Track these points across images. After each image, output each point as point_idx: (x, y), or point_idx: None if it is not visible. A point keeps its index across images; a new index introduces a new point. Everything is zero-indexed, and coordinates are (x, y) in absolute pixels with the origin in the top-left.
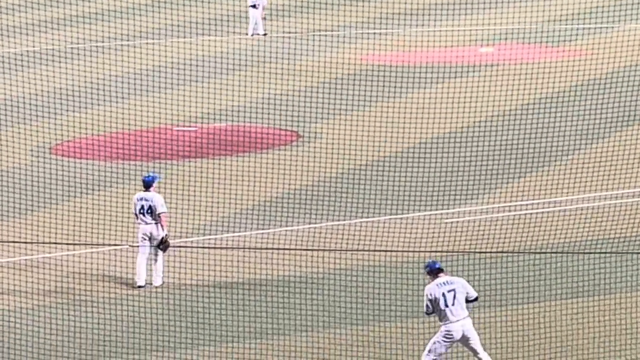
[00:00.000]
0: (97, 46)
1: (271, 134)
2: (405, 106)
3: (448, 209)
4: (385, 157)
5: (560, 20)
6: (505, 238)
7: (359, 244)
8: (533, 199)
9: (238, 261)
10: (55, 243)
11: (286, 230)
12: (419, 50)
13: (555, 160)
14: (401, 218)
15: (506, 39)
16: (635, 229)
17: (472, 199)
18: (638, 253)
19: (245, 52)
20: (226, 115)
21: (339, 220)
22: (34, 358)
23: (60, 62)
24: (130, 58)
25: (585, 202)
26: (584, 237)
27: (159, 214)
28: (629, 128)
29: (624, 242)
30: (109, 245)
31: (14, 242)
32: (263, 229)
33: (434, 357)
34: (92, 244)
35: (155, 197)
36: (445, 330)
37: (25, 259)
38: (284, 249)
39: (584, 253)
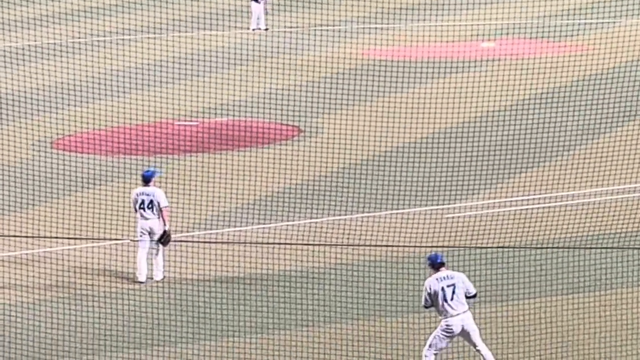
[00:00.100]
0: (98, 41)
1: (272, 129)
2: (407, 101)
3: (449, 204)
4: (386, 152)
5: (562, 16)
6: (505, 233)
7: (359, 239)
8: (534, 194)
9: (239, 256)
10: (57, 237)
11: (287, 225)
12: (420, 45)
13: (557, 156)
14: (402, 213)
15: (507, 34)
16: (636, 224)
17: (472, 194)
18: (639, 248)
19: (246, 47)
20: (227, 110)
21: (339, 215)
22: (34, 352)
23: (61, 56)
24: (132, 52)
25: (586, 197)
26: (584, 232)
27: (161, 208)
28: (630, 123)
29: (624, 237)
30: (110, 239)
31: (15, 236)
32: (264, 224)
33: (435, 352)
34: (93, 239)
35: (156, 192)
36: (445, 325)
37: (27, 253)
38: (285, 243)
39: (585, 248)
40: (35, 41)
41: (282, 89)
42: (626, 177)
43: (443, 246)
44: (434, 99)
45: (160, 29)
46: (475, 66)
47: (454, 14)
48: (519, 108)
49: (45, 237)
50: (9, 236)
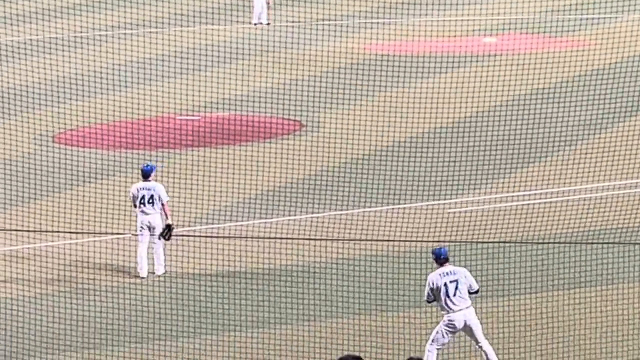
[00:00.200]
0: (100, 35)
1: (274, 123)
2: (408, 96)
3: (450, 199)
4: (388, 146)
5: (563, 11)
6: (507, 228)
7: (361, 234)
8: (535, 190)
9: (241, 250)
10: (58, 232)
11: (289, 220)
12: (422, 39)
13: (558, 151)
14: (404, 208)
15: (509, 29)
16: (638, 220)
17: (474, 189)
18: None
19: (248, 41)
20: (229, 105)
21: (341, 209)
22: (36, 346)
23: (63, 50)
24: (134, 47)
25: (588, 192)
26: (586, 227)
27: (162, 203)
28: (632, 118)
29: (626, 232)
30: (112, 234)
31: (17, 230)
32: (266, 218)
33: (438, 347)
34: (94, 233)
35: (157, 187)
36: (448, 320)
37: (28, 247)
38: (287, 238)
39: (586, 243)
40: (37, 35)
41: (284, 84)
42: (627, 173)
43: (444, 241)
44: (435, 94)
45: (162, 23)
46: (477, 61)
47: (456, 9)
48: (521, 103)
49: (47, 231)
50: (11, 230)
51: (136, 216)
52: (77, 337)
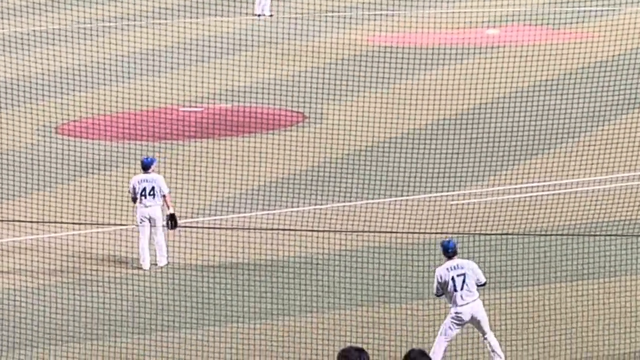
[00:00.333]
0: (104, 26)
1: (277, 115)
2: (411, 88)
3: (453, 191)
4: (391, 138)
5: (566, 3)
6: (510, 220)
7: (364, 226)
8: (538, 182)
9: (243, 242)
10: (61, 222)
11: (291, 211)
12: (425, 31)
13: (561, 143)
14: (406, 200)
15: (512, 20)
16: None
17: (477, 181)
18: None
19: (251, 33)
20: (232, 96)
21: (344, 201)
22: (39, 337)
23: (66, 41)
24: (137, 38)
25: (590, 184)
26: (589, 219)
27: (164, 195)
28: (635, 111)
29: (629, 224)
30: (115, 225)
31: (19, 221)
32: (268, 210)
33: (446, 341)
34: (97, 224)
35: (157, 179)
36: (455, 313)
37: (31, 239)
38: (289, 229)
39: (590, 235)
40: (40, 26)
41: (287, 75)
42: (631, 165)
43: (447, 233)
44: (438, 86)
45: (166, 14)
46: (480, 53)
47: (459, 1)
48: (524, 95)
49: (49, 222)
50: (13, 221)
51: (134, 209)
52: (79, 328)
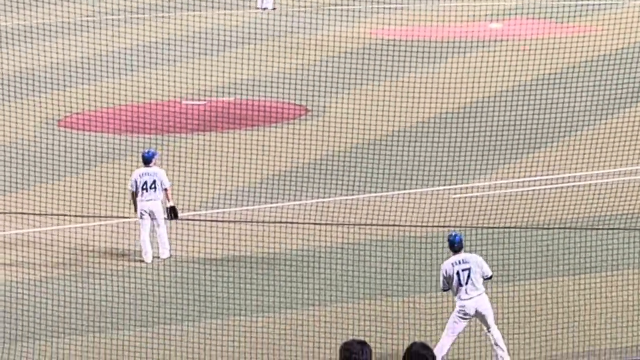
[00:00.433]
0: (106, 19)
1: (279, 108)
2: (414, 81)
3: (456, 184)
4: (394, 132)
5: None
6: (512, 214)
7: (366, 219)
8: (541, 175)
9: (246, 235)
10: (64, 215)
11: (294, 205)
12: (428, 25)
13: (564, 137)
14: (409, 193)
15: (515, 14)
16: None
17: (480, 174)
18: None
19: (254, 26)
20: (234, 89)
21: (347, 195)
22: (41, 329)
23: (69, 34)
24: (140, 31)
25: (593, 178)
26: (592, 213)
27: (165, 188)
28: (637, 105)
29: (631, 218)
30: (117, 217)
31: (21, 213)
32: (271, 203)
33: (453, 335)
34: (100, 216)
35: (159, 172)
36: (460, 307)
37: (33, 231)
38: (292, 222)
39: (592, 229)
40: (43, 19)
41: (290, 69)
42: (634, 158)
43: (450, 226)
44: (441, 80)
45: (169, 7)
46: (483, 46)
47: None
48: (526, 89)
49: (52, 214)
50: (16, 213)
51: (131, 201)
52: (82, 320)
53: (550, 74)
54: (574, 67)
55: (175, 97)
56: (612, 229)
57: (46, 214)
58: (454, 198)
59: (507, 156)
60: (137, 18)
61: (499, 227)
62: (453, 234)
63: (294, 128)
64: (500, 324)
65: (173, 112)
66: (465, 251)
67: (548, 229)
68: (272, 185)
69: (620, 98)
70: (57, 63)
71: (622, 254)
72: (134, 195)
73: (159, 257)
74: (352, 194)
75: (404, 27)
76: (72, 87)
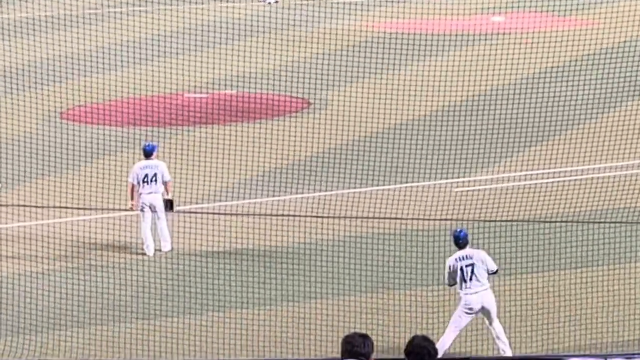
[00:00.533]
0: (109, 12)
1: (282, 101)
2: (417, 75)
3: (458, 177)
4: (396, 125)
5: None
6: (514, 207)
7: (369, 212)
8: (543, 169)
9: (248, 227)
10: (66, 207)
11: (296, 198)
12: (430, 18)
13: (566, 130)
14: (411, 187)
15: (517, 7)
16: None
17: (481, 168)
18: None
19: (257, 19)
20: (237, 82)
21: (349, 188)
22: (44, 322)
23: (71, 27)
24: (142, 23)
25: (595, 172)
26: (593, 206)
27: (165, 181)
28: (639, 98)
29: (633, 211)
30: (119, 210)
31: (24, 206)
32: (273, 196)
33: (456, 330)
34: (102, 209)
35: (160, 165)
36: (464, 303)
37: (36, 224)
38: (294, 215)
39: (594, 222)
40: (45, 12)
41: (292, 62)
42: (636, 152)
43: (452, 219)
44: (443, 73)
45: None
46: (485, 40)
47: None
48: (528, 82)
49: (54, 207)
50: (18, 205)
51: (128, 192)
52: (84, 313)
53: (552, 67)
54: (576, 60)
55: (178, 89)
56: (615, 222)
57: (48, 207)
58: (456, 192)
59: (509, 150)
60: (140, 11)
61: (500, 221)
62: (458, 229)
63: (296, 121)
64: (502, 318)
65: (176, 104)
66: (469, 246)
67: (550, 222)
68: (274, 178)
69: (622, 91)
70: (60, 55)
71: (624, 247)
72: (132, 187)
73: (160, 250)
74: (354, 187)
75: (406, 20)
76: (74, 80)
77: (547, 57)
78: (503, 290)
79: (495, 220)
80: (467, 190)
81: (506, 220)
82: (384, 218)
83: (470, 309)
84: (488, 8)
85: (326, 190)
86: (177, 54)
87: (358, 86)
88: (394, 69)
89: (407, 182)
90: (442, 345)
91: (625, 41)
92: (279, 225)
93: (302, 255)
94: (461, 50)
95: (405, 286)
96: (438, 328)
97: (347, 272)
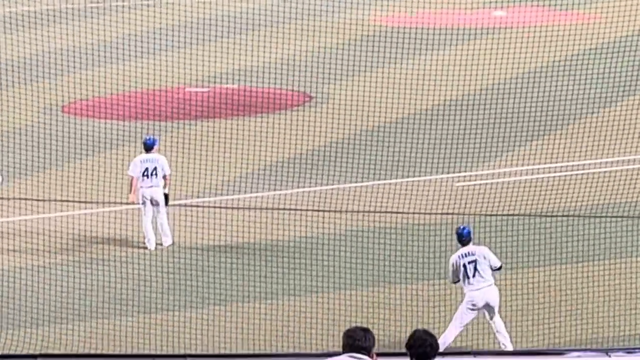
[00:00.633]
0: (111, 5)
1: (283, 95)
2: (418, 69)
3: (459, 172)
4: (397, 119)
5: None
6: (515, 201)
7: (370, 206)
8: (544, 163)
9: (249, 222)
10: (67, 201)
11: (297, 192)
12: (432, 12)
13: (567, 124)
14: (412, 181)
15: (519, 2)
16: None
17: (482, 162)
18: None
19: (258, 13)
20: (238, 76)
21: (350, 182)
22: (45, 315)
23: (73, 20)
24: (145, 17)
25: (596, 166)
26: (594, 201)
27: (165, 175)
28: None
29: (635, 206)
30: (120, 204)
31: (25, 199)
32: (274, 190)
33: (460, 326)
34: (104, 202)
35: (161, 159)
36: (469, 299)
37: (37, 218)
38: (295, 209)
39: (595, 217)
40: (48, 5)
41: (294, 56)
42: (637, 146)
43: (453, 213)
44: (445, 67)
45: None
46: (487, 34)
47: None
48: (530, 76)
49: (55, 200)
50: (19, 199)
51: (128, 186)
52: (85, 307)
53: (553, 61)
54: (577, 54)
55: (179, 83)
56: (616, 216)
57: (49, 200)
58: (457, 186)
59: (510, 144)
60: (142, 4)
61: (501, 215)
62: (461, 227)
63: (298, 115)
64: (503, 312)
65: (177, 99)
66: (472, 243)
67: (551, 216)
68: (275, 172)
69: (624, 85)
70: (62, 49)
71: (625, 241)
72: (132, 180)
73: (161, 244)
74: (356, 182)
75: (408, 14)
76: (76, 73)
77: (548, 52)
78: (504, 285)
79: (496, 215)
80: (468, 185)
81: (507, 215)
82: (385, 212)
83: (474, 305)
84: (489, 2)
85: (327, 185)
86: (178, 47)
87: (359, 80)
88: (395, 63)
89: (408, 177)
90: (445, 340)
91: (627, 35)
92: (280, 219)
93: (304, 249)
94: (462, 45)
95: (407, 280)
96: (439, 322)
97: (349, 266)
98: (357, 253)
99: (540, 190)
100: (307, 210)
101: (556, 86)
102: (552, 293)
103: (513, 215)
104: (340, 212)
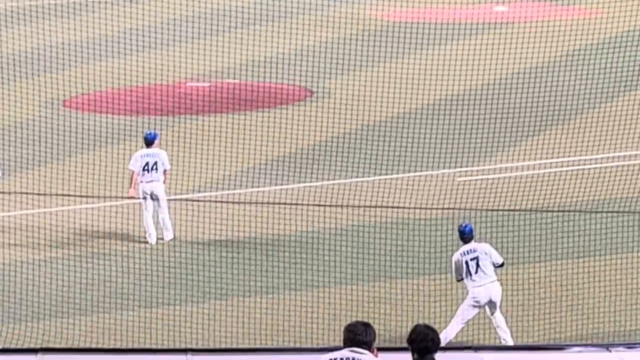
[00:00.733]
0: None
1: (284, 90)
2: (419, 64)
3: (460, 167)
4: (399, 115)
5: None
6: (516, 197)
7: (371, 201)
8: (544, 159)
9: (250, 216)
10: (68, 195)
11: (298, 187)
12: (433, 7)
13: (569, 120)
14: (413, 176)
15: None
16: None
17: (484, 157)
18: None
19: (259, 7)
20: (239, 71)
21: (351, 177)
22: (46, 309)
23: (74, 14)
24: (146, 12)
25: (598, 161)
26: (595, 196)
27: (164, 170)
28: None
29: (635, 201)
30: (122, 198)
31: (26, 193)
32: (276, 185)
33: (462, 322)
34: (105, 197)
35: (161, 154)
36: (471, 296)
37: (38, 212)
38: (297, 204)
39: (596, 212)
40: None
41: (295, 51)
42: (638, 142)
43: (454, 208)
44: (446, 63)
45: None
46: (488, 29)
47: None
48: (531, 72)
49: (56, 194)
50: (21, 193)
51: (130, 180)
52: (86, 301)
53: (554, 57)
54: (578, 50)
55: (180, 78)
56: (617, 212)
57: (51, 194)
58: (458, 181)
59: (512, 139)
60: None
61: (503, 210)
62: (463, 224)
63: (299, 110)
64: (504, 307)
65: (178, 93)
66: (474, 240)
67: (552, 212)
68: (276, 167)
69: (624, 81)
70: (63, 43)
71: (626, 237)
72: (133, 174)
73: (162, 239)
74: (357, 177)
75: (409, 9)
76: (77, 68)
77: (550, 47)
78: (505, 280)
79: (497, 210)
80: (470, 180)
81: (508, 210)
82: (387, 207)
83: (477, 301)
84: None
85: (329, 179)
86: (179, 42)
87: (360, 75)
88: (396, 58)
89: (409, 172)
90: (446, 336)
91: (629, 30)
92: (281, 213)
93: (305, 244)
94: (463, 40)
95: (408, 275)
96: (441, 317)
97: (350, 261)
98: (358, 248)
99: (542, 186)
100: (308, 205)
101: (557, 81)
102: (553, 288)
103: (514, 210)
104: (341, 207)
